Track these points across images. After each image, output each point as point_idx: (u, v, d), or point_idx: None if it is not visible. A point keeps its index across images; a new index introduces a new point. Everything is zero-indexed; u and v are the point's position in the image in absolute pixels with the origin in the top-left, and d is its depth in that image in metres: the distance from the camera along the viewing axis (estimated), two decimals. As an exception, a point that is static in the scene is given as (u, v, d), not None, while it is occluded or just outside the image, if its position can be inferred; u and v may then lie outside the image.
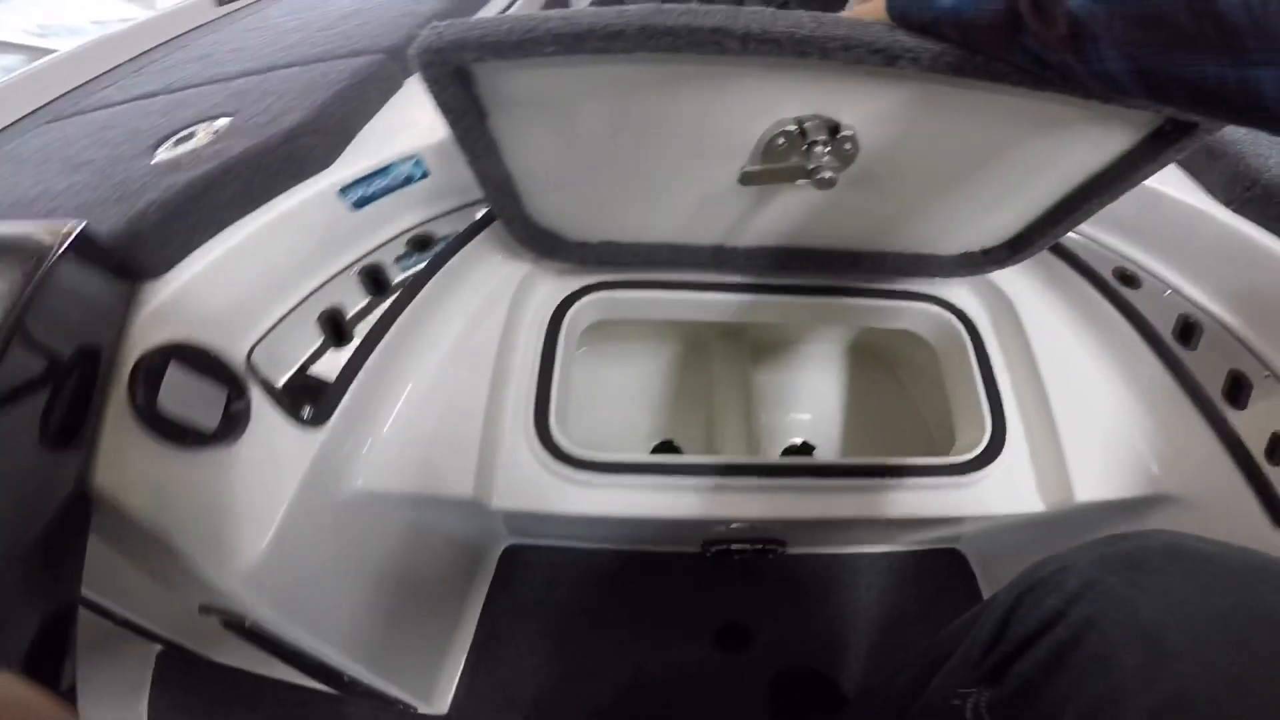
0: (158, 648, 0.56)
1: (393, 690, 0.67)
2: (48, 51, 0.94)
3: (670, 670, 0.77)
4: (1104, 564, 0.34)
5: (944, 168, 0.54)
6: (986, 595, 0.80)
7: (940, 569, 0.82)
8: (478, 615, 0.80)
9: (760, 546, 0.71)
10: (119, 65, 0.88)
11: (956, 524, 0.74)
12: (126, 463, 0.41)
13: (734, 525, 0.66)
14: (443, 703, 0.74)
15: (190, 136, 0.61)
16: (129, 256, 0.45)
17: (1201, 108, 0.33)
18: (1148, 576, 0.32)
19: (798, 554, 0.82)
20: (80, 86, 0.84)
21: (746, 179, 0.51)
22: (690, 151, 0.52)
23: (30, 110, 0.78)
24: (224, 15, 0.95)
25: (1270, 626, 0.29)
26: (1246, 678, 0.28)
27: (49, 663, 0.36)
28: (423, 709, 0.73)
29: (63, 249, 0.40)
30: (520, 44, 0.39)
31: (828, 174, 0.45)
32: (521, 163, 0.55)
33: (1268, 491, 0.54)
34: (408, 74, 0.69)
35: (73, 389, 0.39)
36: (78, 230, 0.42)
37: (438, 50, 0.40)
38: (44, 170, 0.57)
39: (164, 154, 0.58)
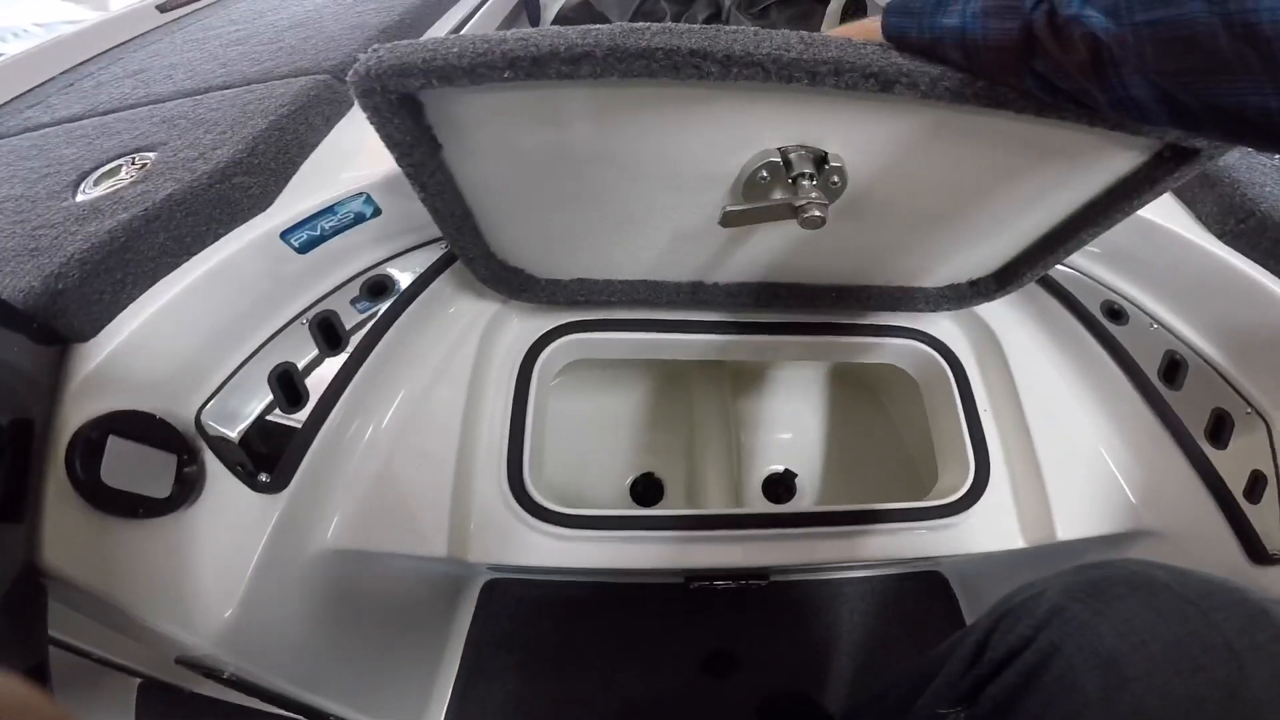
0: (138, 681, 0.52)
1: None
2: (-13, 56, 0.84)
3: (657, 698, 0.74)
4: (1070, 592, 0.35)
5: (934, 198, 0.49)
6: (968, 616, 0.79)
7: (922, 591, 0.80)
8: (461, 649, 0.76)
9: (742, 582, 0.67)
10: (52, 78, 0.78)
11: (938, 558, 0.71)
12: (73, 539, 0.37)
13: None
14: None
15: (114, 172, 0.53)
16: (51, 320, 0.39)
17: (1236, 136, 0.29)
18: (1110, 604, 0.33)
19: (781, 581, 0.79)
20: (7, 103, 0.75)
21: (728, 220, 0.45)
22: (666, 184, 0.46)
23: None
24: (165, 24, 0.85)
25: (1224, 652, 0.30)
26: (1202, 702, 0.29)
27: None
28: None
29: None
30: (472, 69, 0.33)
31: (816, 213, 0.40)
32: (481, 198, 0.48)
33: (1245, 529, 0.53)
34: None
35: (7, 465, 0.35)
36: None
37: (378, 77, 0.33)
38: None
39: (85, 193, 0.51)
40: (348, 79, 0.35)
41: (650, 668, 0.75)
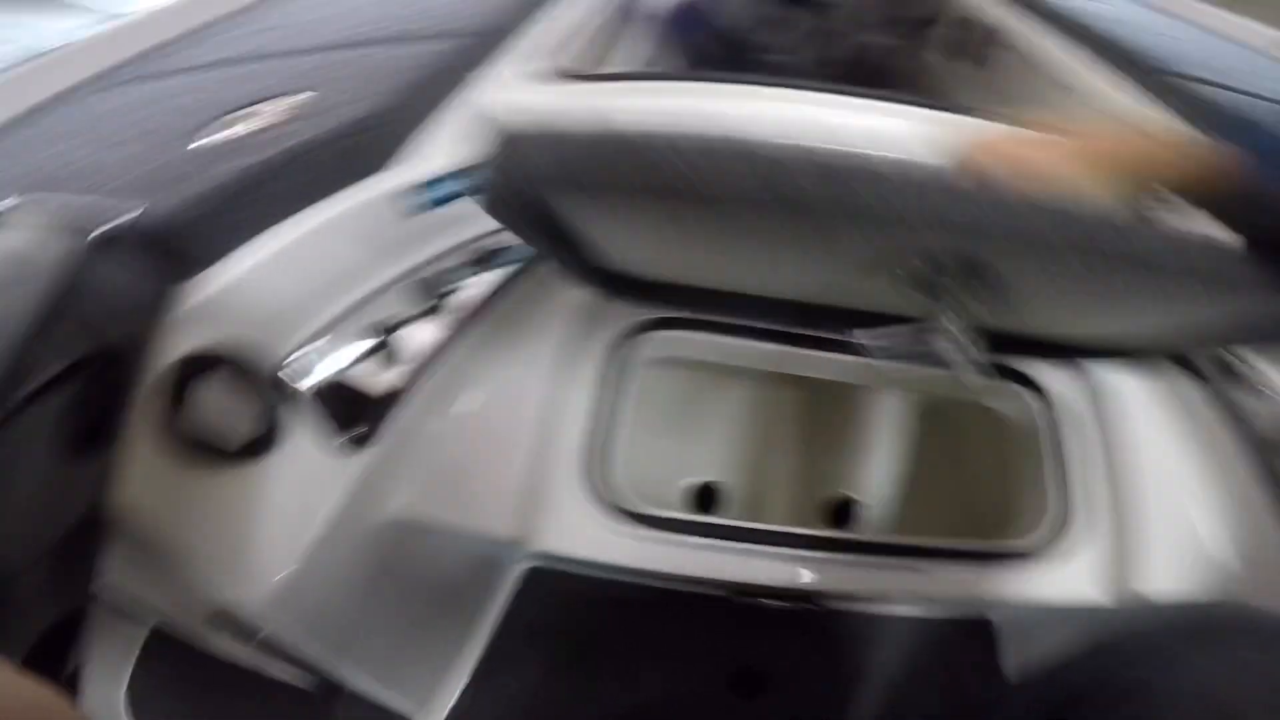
0: (145, 630, 0.51)
1: (392, 698, 0.62)
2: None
3: (676, 708, 0.71)
4: (1168, 629, 0.34)
5: (1093, 313, 0.45)
6: (1013, 667, 0.73)
7: (968, 635, 0.74)
8: (489, 632, 0.74)
9: (790, 603, 0.64)
10: (190, 30, 0.80)
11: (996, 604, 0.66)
12: (150, 479, 0.36)
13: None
14: (439, 716, 0.69)
15: (245, 118, 0.53)
16: (168, 250, 0.39)
17: None
18: (1209, 643, 0.32)
19: (829, 609, 0.75)
20: (147, 51, 0.77)
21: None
22: (795, 259, 0.43)
23: (100, 71, 0.70)
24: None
25: None
26: None
27: (55, 654, 0.34)
28: (418, 718, 0.68)
29: (100, 238, 0.34)
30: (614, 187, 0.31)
31: (973, 375, 0.37)
32: (599, 252, 0.46)
33: None
34: (490, 60, 0.58)
35: (100, 393, 0.34)
36: (118, 220, 0.36)
37: (506, 186, 0.32)
38: (101, 138, 0.50)
39: (216, 135, 0.51)
40: (470, 188, 0.32)
41: (675, 676, 0.72)
